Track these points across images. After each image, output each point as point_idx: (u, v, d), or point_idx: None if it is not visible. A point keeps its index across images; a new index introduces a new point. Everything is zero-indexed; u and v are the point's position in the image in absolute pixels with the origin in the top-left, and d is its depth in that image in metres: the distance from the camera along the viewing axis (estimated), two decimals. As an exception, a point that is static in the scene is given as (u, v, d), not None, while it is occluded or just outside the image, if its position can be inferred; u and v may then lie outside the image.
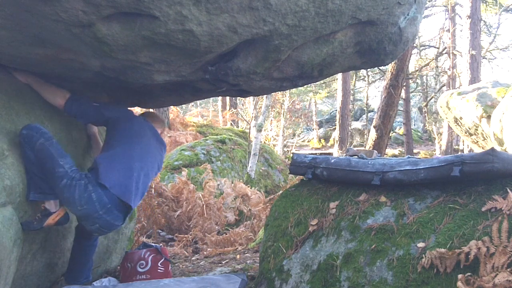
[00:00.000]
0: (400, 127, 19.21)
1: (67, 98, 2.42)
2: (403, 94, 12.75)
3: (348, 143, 14.87)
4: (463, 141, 12.01)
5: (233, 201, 6.13)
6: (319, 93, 23.87)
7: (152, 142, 2.56)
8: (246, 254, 4.09)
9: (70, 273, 2.52)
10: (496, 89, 6.27)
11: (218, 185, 6.38)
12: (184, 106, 18.88)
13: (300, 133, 23.36)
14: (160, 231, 5.47)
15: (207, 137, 9.70)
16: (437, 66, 19.08)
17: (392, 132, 15.11)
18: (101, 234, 2.49)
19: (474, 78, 10.62)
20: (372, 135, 8.56)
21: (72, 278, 2.49)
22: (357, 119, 24.32)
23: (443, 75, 19.34)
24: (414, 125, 24.89)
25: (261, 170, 9.59)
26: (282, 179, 9.95)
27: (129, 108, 2.87)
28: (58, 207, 2.24)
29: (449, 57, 16.15)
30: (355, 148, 3.00)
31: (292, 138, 22.32)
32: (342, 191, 2.47)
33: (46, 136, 2.19)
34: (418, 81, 20.44)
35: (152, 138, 2.57)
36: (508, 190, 1.88)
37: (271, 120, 18.61)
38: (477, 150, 6.91)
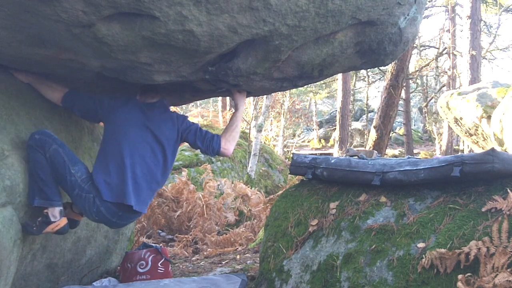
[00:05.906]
0: (400, 128, 19.20)
1: (65, 92, 2.40)
2: (403, 95, 12.75)
3: (348, 144, 14.86)
4: (463, 141, 12.01)
5: (233, 201, 6.14)
6: (319, 93, 23.85)
7: (143, 126, 2.33)
8: (246, 255, 4.09)
9: None
10: (496, 89, 6.27)
11: (218, 185, 6.37)
12: (184, 106, 18.88)
13: (300, 134, 23.34)
14: (160, 231, 5.47)
15: (207, 138, 9.67)
16: (437, 67, 19.07)
17: (392, 132, 15.09)
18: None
19: (474, 78, 10.61)
20: (372, 135, 8.55)
21: None
22: (357, 119, 24.31)
23: (443, 76, 19.35)
24: (414, 125, 24.90)
25: (261, 171, 9.60)
26: (282, 179, 9.95)
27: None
28: (61, 217, 2.18)
29: (449, 58, 16.17)
30: (355, 149, 3.00)
31: (292, 139, 22.31)
32: (342, 192, 2.47)
33: (59, 142, 2.19)
34: (418, 81, 20.42)
35: (143, 121, 2.34)
36: (508, 190, 1.88)
37: (271, 120, 18.60)
38: (477, 150, 6.91)
